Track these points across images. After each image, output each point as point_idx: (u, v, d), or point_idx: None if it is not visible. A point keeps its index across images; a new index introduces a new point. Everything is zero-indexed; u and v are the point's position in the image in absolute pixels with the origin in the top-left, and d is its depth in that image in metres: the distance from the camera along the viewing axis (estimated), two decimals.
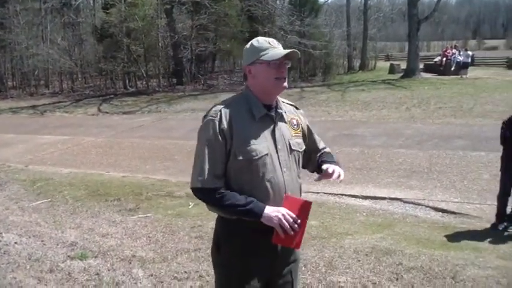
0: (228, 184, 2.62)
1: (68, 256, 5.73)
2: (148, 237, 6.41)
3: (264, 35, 30.16)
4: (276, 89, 2.73)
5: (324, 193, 8.65)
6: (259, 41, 2.76)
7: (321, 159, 3.05)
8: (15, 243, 6.27)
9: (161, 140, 14.03)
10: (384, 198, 8.22)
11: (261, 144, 2.63)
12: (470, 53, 32.26)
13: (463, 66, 29.66)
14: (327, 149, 3.18)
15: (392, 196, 8.29)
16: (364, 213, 7.50)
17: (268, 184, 2.63)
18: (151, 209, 7.70)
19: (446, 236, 6.36)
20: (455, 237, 6.35)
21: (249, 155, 2.59)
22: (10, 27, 33.83)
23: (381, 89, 24.39)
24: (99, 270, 5.31)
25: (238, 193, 2.59)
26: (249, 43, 2.79)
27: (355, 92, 23.74)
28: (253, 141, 2.61)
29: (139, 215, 7.39)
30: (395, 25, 65.83)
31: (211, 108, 2.70)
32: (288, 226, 2.54)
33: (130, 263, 5.51)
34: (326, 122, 16.34)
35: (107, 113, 22.93)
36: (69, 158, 12.52)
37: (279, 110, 2.77)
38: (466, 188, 8.57)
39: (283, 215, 2.54)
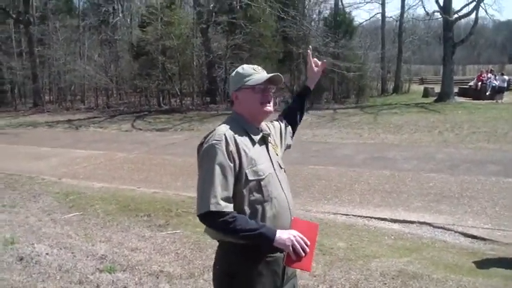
0: (241, 206, 2.65)
1: (97, 269, 5.84)
2: (177, 253, 6.48)
3: (298, 55, 30.57)
4: (261, 114, 2.85)
5: (353, 215, 8.61)
6: (244, 68, 2.87)
7: (293, 103, 3.52)
8: (47, 254, 6.41)
9: (193, 158, 13.89)
10: (413, 222, 8.14)
11: (264, 164, 2.74)
12: (506, 77, 31.84)
13: (498, 91, 29.34)
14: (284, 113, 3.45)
15: (422, 220, 8.20)
16: (393, 237, 7.45)
17: (275, 201, 2.72)
18: (180, 226, 7.78)
19: (475, 262, 6.27)
20: (484, 263, 6.26)
21: (257, 175, 2.68)
22: (49, 44, 34.69)
23: (414, 112, 24.23)
24: (127, 284, 5.39)
25: (251, 213, 2.65)
26: (235, 71, 2.90)
27: (388, 115, 23.63)
28: (258, 161, 2.71)
29: (169, 231, 7.47)
30: (430, 48, 65.23)
31: (210, 134, 2.74)
32: (300, 248, 2.60)
33: (157, 277, 5.58)
34: (358, 144, 16.29)
35: (140, 129, 23.19)
36: (101, 173, 12.70)
37: (265, 132, 2.88)
38: (497, 214, 8.44)
39: (294, 237, 2.61)
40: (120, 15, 38.80)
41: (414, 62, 48.64)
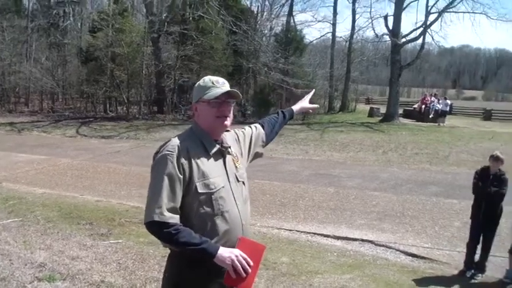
0: (189, 219, 2.64)
1: (36, 277, 5.68)
2: (119, 263, 6.38)
3: (248, 70, 30.74)
4: (218, 128, 2.85)
5: (297, 231, 8.68)
6: (205, 80, 2.88)
7: (275, 119, 3.48)
8: None
9: (138, 167, 13.98)
10: (355, 240, 8.27)
11: (218, 178, 2.73)
12: (448, 101, 32.72)
13: (441, 114, 30.12)
14: (263, 121, 3.44)
15: (364, 238, 8.33)
16: (335, 253, 7.53)
17: (227, 215, 2.72)
18: (123, 235, 7.68)
19: (414, 281, 6.42)
20: (423, 282, 6.42)
21: (208, 188, 2.67)
22: None
23: (359, 131, 24.62)
24: None
25: (199, 227, 2.64)
26: (199, 83, 2.89)
27: (334, 133, 23.92)
28: (211, 175, 2.70)
29: (111, 241, 7.36)
30: (377, 69, 66.54)
31: (165, 144, 2.74)
32: (241, 268, 2.58)
33: None
34: (303, 160, 16.45)
35: (85, 136, 22.83)
36: (44, 178, 12.43)
37: (225, 145, 2.87)
38: (437, 234, 8.66)
39: (236, 256, 2.59)
40: (71, 19, 38.17)
41: (361, 82, 49.42)
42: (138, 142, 20.55)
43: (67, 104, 36.77)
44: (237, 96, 2.88)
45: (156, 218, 2.54)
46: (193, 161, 2.66)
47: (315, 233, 8.58)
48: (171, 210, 2.57)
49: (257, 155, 3.30)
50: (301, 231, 8.67)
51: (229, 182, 2.79)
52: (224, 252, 2.58)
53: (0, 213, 8.80)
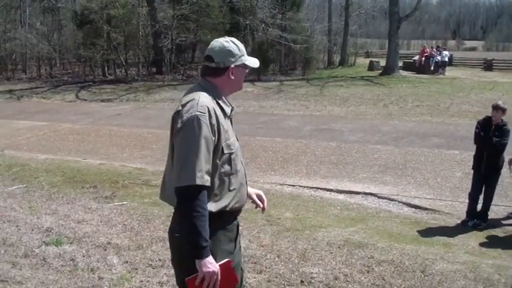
0: (212, 178, 2.64)
1: (43, 242, 5.74)
2: (124, 224, 6.44)
3: (246, 27, 30.43)
4: (237, 91, 3.01)
5: (300, 186, 8.74)
6: (240, 44, 2.89)
7: None
8: None
9: (139, 129, 13.99)
10: (358, 193, 8.33)
11: (233, 138, 2.80)
12: (445, 53, 32.51)
13: (440, 65, 30.04)
14: None
15: (367, 191, 8.39)
16: (339, 207, 7.60)
17: (239, 174, 2.82)
18: (127, 197, 7.73)
19: (418, 231, 6.50)
20: (426, 232, 6.50)
21: (229, 148, 2.73)
22: None
23: (359, 85, 24.54)
24: (74, 256, 5.33)
25: (219, 184, 2.69)
26: (234, 44, 2.84)
27: (334, 88, 23.85)
28: (230, 135, 2.76)
29: (115, 203, 7.41)
30: (376, 22, 66.21)
31: (190, 103, 2.67)
32: (207, 285, 2.59)
33: (105, 249, 5.54)
34: (304, 116, 16.43)
35: (85, 100, 22.73)
36: (45, 144, 12.44)
37: (232, 106, 2.94)
38: (439, 185, 8.71)
39: (214, 273, 2.59)
40: None
41: (360, 36, 49.13)
42: (138, 104, 20.49)
43: (65, 68, 36.54)
44: None
45: (199, 182, 2.52)
46: (220, 122, 2.68)
47: (317, 188, 8.64)
48: (208, 172, 2.59)
49: None
50: (304, 187, 8.73)
51: (237, 141, 2.87)
52: (209, 262, 2.57)
53: (5, 180, 8.83)
